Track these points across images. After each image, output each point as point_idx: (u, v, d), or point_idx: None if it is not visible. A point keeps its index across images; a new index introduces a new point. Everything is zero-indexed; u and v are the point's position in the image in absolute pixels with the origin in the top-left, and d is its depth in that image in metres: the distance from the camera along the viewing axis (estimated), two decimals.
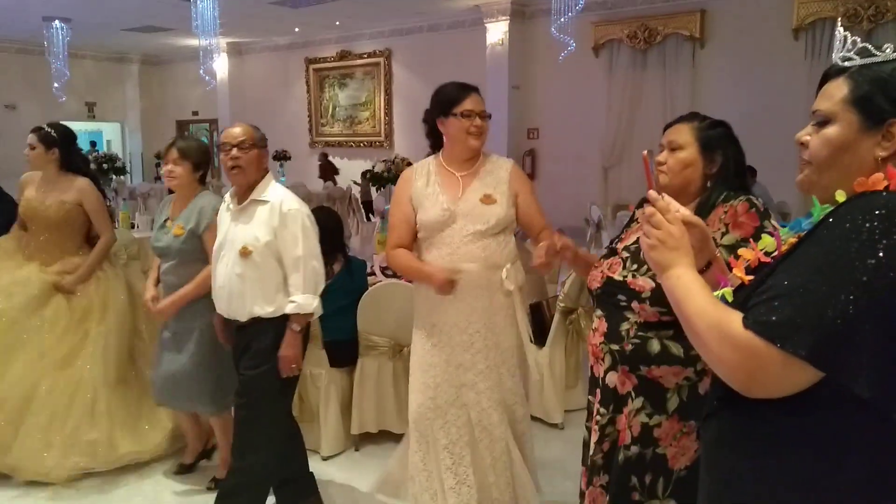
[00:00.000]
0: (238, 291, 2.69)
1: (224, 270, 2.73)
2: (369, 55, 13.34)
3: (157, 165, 15.38)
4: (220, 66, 14.21)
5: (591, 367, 2.16)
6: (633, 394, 2.00)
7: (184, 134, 14.70)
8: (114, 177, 10.34)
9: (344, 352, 3.60)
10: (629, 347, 1.98)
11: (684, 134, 2.03)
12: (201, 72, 10.26)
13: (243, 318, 2.72)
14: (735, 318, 1.14)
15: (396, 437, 3.65)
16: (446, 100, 2.60)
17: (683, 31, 9.52)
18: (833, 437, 1.12)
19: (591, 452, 2.09)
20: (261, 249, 2.65)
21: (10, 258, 3.60)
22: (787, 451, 1.15)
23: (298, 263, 2.65)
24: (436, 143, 2.74)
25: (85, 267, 3.54)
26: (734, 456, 1.23)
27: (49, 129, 3.54)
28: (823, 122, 1.22)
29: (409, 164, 5.64)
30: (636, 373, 1.98)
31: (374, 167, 5.60)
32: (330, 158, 13.33)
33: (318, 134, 14.45)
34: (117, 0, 10.13)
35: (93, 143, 15.52)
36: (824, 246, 1.10)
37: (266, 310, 2.67)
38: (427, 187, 2.68)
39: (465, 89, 2.62)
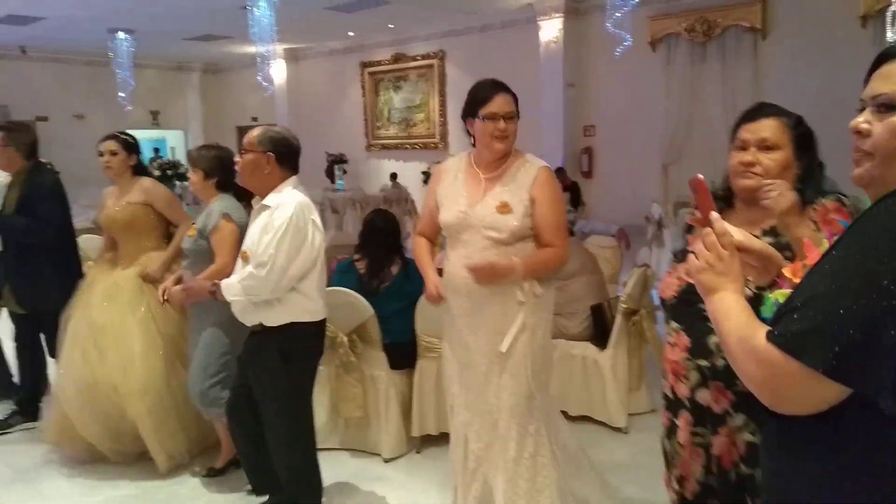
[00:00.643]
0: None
1: (234, 275, 2.76)
2: (423, 57, 13.40)
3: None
4: (278, 72, 14.46)
5: (671, 387, 2.00)
6: (731, 411, 1.86)
7: (203, 145, 14.94)
8: (177, 183, 10.61)
9: (403, 354, 3.60)
10: (721, 363, 1.82)
11: (777, 132, 1.86)
12: (259, 78, 10.44)
13: (249, 323, 2.75)
14: (761, 332, 1.08)
15: None
16: (473, 100, 2.53)
17: (744, 23, 9.26)
18: (862, 442, 1.05)
19: (697, 476, 1.93)
20: (256, 255, 2.62)
21: (105, 271, 3.70)
22: (821, 455, 1.09)
23: (259, 264, 2.57)
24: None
25: (167, 254, 3.61)
26: (776, 460, 1.18)
27: (126, 136, 3.68)
28: (890, 106, 1.09)
29: None
30: (732, 388, 1.84)
31: (429, 168, 5.59)
32: (339, 156, 13.33)
33: (374, 137, 14.57)
34: (178, 9, 10.40)
35: (156, 150, 15.99)
36: (849, 250, 1.02)
37: (268, 317, 2.67)
38: (452, 185, 2.64)
39: (494, 89, 2.52)
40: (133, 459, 3.51)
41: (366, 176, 13.50)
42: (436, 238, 2.82)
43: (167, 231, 3.75)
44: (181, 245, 3.34)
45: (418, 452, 3.65)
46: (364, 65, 14.32)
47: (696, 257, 1.24)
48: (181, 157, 15.95)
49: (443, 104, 13.31)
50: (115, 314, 3.48)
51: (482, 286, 2.49)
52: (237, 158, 2.75)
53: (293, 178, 2.74)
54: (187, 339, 3.45)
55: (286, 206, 2.62)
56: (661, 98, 10.13)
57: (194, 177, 3.25)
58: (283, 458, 2.81)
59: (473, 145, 2.65)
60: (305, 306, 2.69)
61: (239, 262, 2.72)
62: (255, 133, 2.72)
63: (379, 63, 14.13)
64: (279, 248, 2.56)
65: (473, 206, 2.54)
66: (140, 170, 3.73)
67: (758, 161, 1.86)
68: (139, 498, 3.27)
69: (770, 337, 1.05)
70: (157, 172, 10.07)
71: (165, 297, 3.09)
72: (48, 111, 14.01)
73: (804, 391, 1.03)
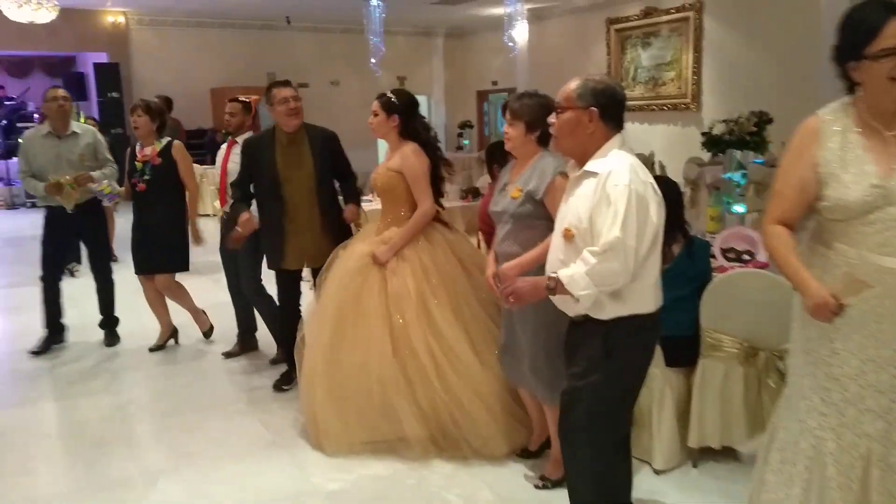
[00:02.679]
0: None
1: (550, 254, 2.37)
2: (677, 10, 12.30)
3: (460, 135, 15.97)
4: (520, 33, 14.13)
5: None
6: None
7: (524, 93, 14.99)
8: None
9: (682, 350, 3.06)
10: None
11: None
12: (505, 38, 10.20)
13: (570, 312, 2.33)
14: None
15: (744, 457, 3.06)
16: (856, 33, 1.85)
17: None
18: None
19: None
20: (583, 233, 2.22)
21: (365, 234, 3.64)
22: None
23: (605, 248, 2.12)
24: (852, 85, 2.00)
25: (396, 238, 3.39)
26: None
27: (391, 96, 3.53)
28: None
29: (761, 120, 4.77)
30: None
31: (711, 129, 4.84)
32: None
33: None
34: None
35: None
36: None
37: (597, 309, 2.23)
38: (845, 151, 1.95)
39: (885, 13, 1.82)
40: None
41: None
42: (797, 226, 2.10)
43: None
44: (491, 209, 2.98)
45: (695, 466, 3.11)
46: (610, 21, 13.53)
47: None
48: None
49: (697, 61, 12.16)
50: (357, 288, 3.38)
51: None
52: (552, 119, 2.34)
53: (618, 137, 2.28)
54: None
55: (619, 171, 2.15)
56: None
57: (513, 131, 2.86)
58: (574, 472, 2.42)
59: (848, 91, 2.01)
60: (641, 294, 2.24)
61: (559, 239, 2.32)
62: (572, 86, 2.27)
63: (627, 19, 13.26)
64: (625, 224, 2.10)
65: (892, 174, 1.90)
66: (409, 133, 3.53)
67: None
68: (389, 479, 3.11)
69: None
70: None
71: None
72: (308, 78, 14.92)
73: None
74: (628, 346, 2.24)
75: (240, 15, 13.87)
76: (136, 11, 13.37)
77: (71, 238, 4.94)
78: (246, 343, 4.77)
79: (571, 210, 2.27)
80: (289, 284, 4.05)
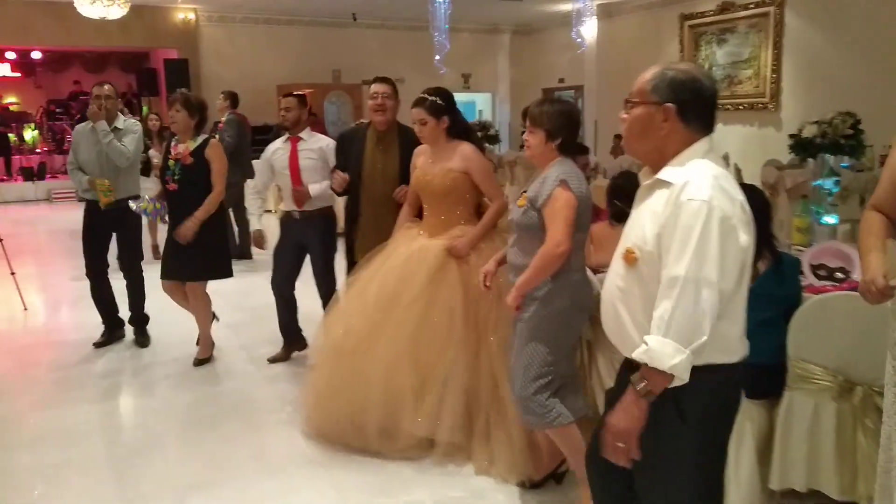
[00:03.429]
0: (616, 313, 1.87)
1: (608, 279, 1.94)
2: (756, 5, 11.72)
3: (523, 133, 15.68)
4: (589, 30, 13.73)
5: None
6: None
7: (551, 95, 14.58)
8: (486, 145, 10.54)
9: (765, 380, 2.72)
10: None
11: None
12: (573, 35, 9.85)
13: (626, 352, 1.85)
14: None
15: None
16: None
17: None
18: None
19: None
20: (647, 255, 1.77)
21: (409, 236, 3.47)
22: None
23: (675, 286, 1.65)
24: None
25: (476, 230, 3.30)
26: None
27: (435, 98, 3.36)
28: None
29: (855, 122, 4.34)
30: None
31: (800, 131, 4.41)
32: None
33: None
34: None
35: None
36: None
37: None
38: None
39: None
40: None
41: None
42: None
43: (479, 203, 3.43)
44: (510, 217, 2.90)
45: None
46: (684, 17, 12.99)
47: None
48: (488, 119, 16.05)
49: (777, 58, 11.55)
50: (411, 283, 3.24)
51: None
52: (623, 115, 1.91)
53: (704, 142, 1.79)
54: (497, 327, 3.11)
55: (698, 183, 1.68)
56: None
57: (533, 139, 2.73)
58: None
59: None
60: (723, 339, 1.75)
61: (618, 262, 1.90)
62: (647, 76, 1.84)
63: (702, 14, 12.71)
64: (701, 251, 1.65)
65: None
66: (459, 131, 3.41)
67: None
68: None
69: None
70: None
71: (487, 285, 2.87)
72: (373, 75, 14.61)
73: None
74: (705, 403, 1.77)
75: (307, 12, 13.88)
76: (206, 8, 13.52)
77: (106, 234, 4.86)
78: (292, 345, 4.61)
79: (636, 227, 1.83)
80: None
